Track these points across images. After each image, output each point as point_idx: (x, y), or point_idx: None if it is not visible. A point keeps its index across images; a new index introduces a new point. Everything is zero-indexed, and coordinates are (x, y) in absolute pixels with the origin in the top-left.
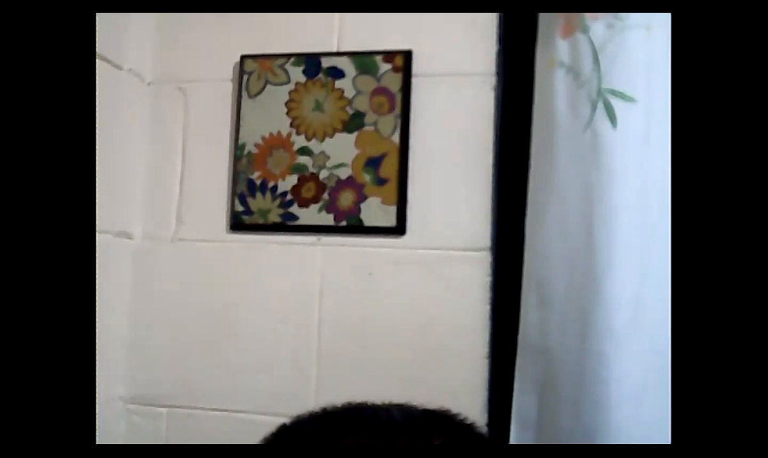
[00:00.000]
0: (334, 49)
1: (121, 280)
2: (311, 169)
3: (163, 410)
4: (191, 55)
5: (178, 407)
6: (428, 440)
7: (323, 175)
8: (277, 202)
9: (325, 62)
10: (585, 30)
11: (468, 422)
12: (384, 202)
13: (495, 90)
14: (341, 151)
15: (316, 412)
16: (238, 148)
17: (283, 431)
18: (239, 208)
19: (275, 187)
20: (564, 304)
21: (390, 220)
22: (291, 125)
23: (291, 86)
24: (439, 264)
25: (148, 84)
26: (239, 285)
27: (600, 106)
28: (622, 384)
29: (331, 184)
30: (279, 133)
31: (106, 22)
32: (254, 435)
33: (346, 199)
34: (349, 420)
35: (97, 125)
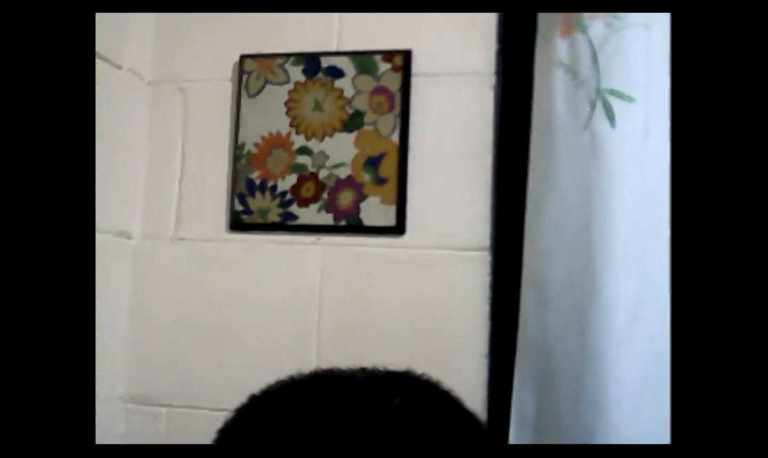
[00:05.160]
0: (334, 49)
1: (121, 280)
2: (311, 169)
3: (163, 410)
4: (191, 55)
5: (178, 406)
6: (388, 400)
7: (323, 174)
8: (277, 201)
9: (325, 62)
10: (584, 29)
11: (432, 381)
12: (383, 201)
13: (494, 89)
14: (341, 151)
15: (284, 380)
16: (237, 148)
17: (252, 402)
18: (239, 207)
19: (275, 187)
20: (563, 303)
21: (389, 219)
22: (290, 125)
23: (290, 86)
24: (439, 264)
25: (148, 83)
26: (239, 285)
27: (599, 105)
28: (621, 382)
29: (331, 183)
30: (278, 132)
31: (105, 22)
32: None
33: (345, 198)
34: (311, 385)
35: (96, 125)
